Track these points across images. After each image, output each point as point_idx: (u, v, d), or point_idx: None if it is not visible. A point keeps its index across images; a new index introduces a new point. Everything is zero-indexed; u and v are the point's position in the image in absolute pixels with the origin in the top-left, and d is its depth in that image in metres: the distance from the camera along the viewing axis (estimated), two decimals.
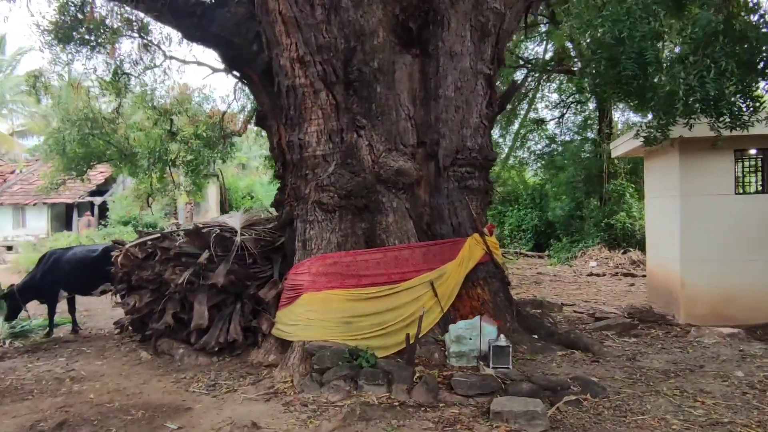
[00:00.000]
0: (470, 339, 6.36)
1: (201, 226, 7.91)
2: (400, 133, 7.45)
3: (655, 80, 6.25)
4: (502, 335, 6.06)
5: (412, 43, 7.59)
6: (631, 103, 7.12)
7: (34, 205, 27.20)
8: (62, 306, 10.04)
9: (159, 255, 7.55)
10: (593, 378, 6.05)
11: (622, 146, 11.16)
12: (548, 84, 22.66)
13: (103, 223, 25.97)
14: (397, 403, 5.51)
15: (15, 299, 9.48)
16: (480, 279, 7.49)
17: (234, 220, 8.43)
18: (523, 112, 22.69)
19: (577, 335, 7.51)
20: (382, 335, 6.64)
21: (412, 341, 6.31)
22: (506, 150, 25.32)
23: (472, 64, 7.36)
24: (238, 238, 7.63)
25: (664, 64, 6.36)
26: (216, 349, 7.32)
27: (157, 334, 7.86)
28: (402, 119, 7.51)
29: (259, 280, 7.69)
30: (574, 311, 10.33)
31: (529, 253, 21.56)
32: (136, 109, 15.24)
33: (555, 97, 24.37)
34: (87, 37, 9.27)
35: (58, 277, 9.55)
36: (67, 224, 27.56)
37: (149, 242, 7.62)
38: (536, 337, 7.59)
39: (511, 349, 5.96)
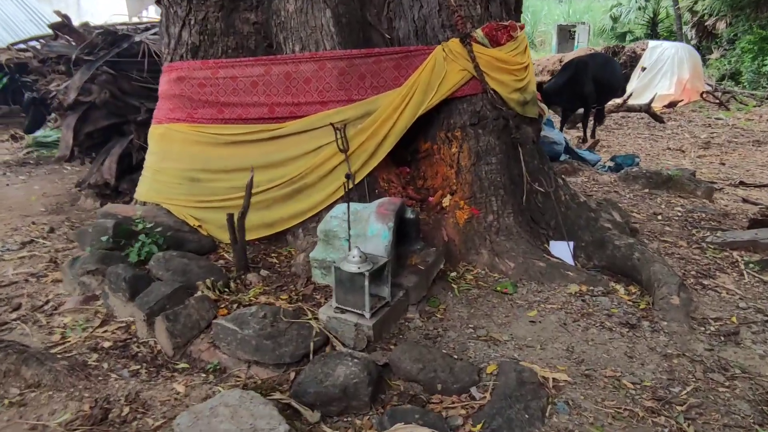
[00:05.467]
0: (345, 240, 3.26)
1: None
2: None
3: None
4: (356, 249, 2.84)
5: None
6: None
7: None
8: None
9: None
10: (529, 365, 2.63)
11: None
12: None
13: None
14: (106, 344, 2.96)
15: (39, 109, 8.76)
16: (458, 128, 3.99)
17: None
18: None
19: (644, 258, 3.69)
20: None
21: (236, 227, 3.47)
22: None
23: None
24: (137, 38, 5.19)
25: None
26: (106, 192, 5.39)
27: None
28: None
29: None
30: (743, 200, 5.85)
31: None
32: None
33: None
34: None
35: None
36: None
37: (43, 40, 5.64)
38: (568, 246, 3.99)
39: (367, 281, 2.76)
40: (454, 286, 3.55)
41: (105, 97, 5.05)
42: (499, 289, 3.55)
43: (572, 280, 3.61)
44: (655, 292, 3.41)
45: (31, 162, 8.09)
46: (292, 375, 2.68)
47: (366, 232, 3.20)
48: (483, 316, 3.27)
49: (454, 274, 3.69)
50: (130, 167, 5.32)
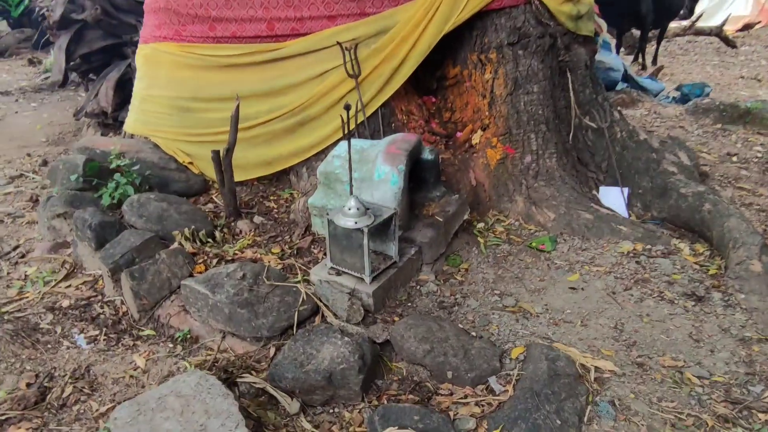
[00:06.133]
0: (346, 184, 2.69)
1: None
2: None
3: None
4: (353, 199, 2.28)
5: None
6: None
7: None
8: None
9: None
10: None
11: None
12: None
13: None
14: (65, 303, 2.55)
15: None
16: (493, 48, 3.28)
17: None
18: None
19: (716, 210, 3.01)
20: (243, 140, 3.34)
21: (222, 164, 2.95)
22: None
23: None
24: None
25: None
26: (107, 122, 4.94)
27: None
28: None
29: None
30: None
31: None
32: None
33: None
34: None
35: None
36: None
37: None
38: (622, 193, 3.34)
39: (366, 239, 2.22)
40: (481, 241, 2.97)
41: (97, 14, 4.49)
42: (534, 245, 2.96)
43: (625, 236, 2.98)
44: (730, 254, 2.76)
45: (46, 88, 7.71)
46: (272, 351, 2.21)
47: (372, 175, 2.62)
48: (512, 280, 2.71)
49: (481, 225, 3.11)
50: (131, 94, 4.81)
